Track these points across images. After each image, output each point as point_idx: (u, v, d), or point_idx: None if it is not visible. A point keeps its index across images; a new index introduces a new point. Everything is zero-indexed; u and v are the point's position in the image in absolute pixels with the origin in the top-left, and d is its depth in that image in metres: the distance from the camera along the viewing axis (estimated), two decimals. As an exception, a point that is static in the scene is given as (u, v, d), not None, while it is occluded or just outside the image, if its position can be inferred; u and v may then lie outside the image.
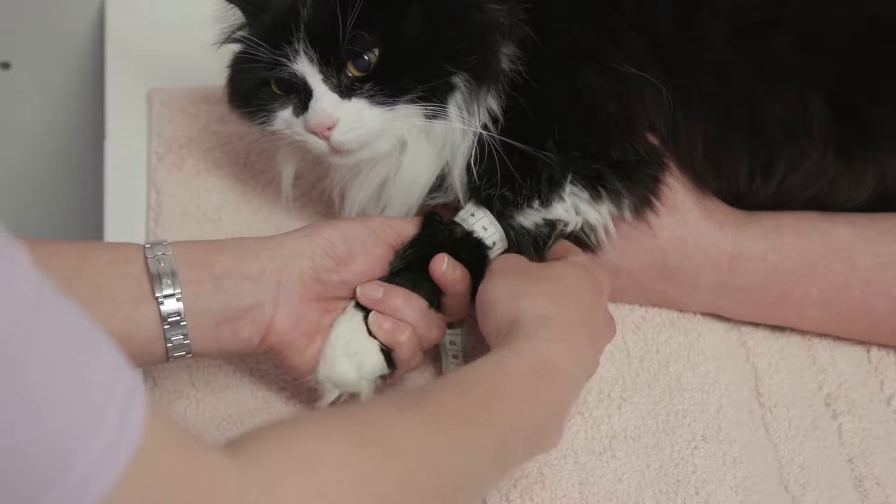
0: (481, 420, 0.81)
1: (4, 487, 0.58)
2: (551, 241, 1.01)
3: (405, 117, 0.96)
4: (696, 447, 0.99)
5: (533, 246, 1.00)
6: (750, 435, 1.00)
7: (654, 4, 1.00)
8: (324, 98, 0.95)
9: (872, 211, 1.04)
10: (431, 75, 0.95)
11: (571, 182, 0.99)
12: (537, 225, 1.00)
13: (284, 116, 0.98)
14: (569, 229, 1.00)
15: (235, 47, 1.01)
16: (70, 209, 1.55)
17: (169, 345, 0.90)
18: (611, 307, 1.05)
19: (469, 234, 0.99)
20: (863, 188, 1.02)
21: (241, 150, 1.20)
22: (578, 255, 0.99)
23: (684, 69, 1.00)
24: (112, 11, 1.36)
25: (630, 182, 1.00)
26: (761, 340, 1.06)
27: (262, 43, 0.95)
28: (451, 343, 1.01)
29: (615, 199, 1.00)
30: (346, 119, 0.95)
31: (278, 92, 0.98)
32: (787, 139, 1.01)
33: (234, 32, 1.00)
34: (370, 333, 0.95)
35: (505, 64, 0.97)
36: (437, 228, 0.98)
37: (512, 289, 0.92)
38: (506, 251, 1.00)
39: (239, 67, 1.01)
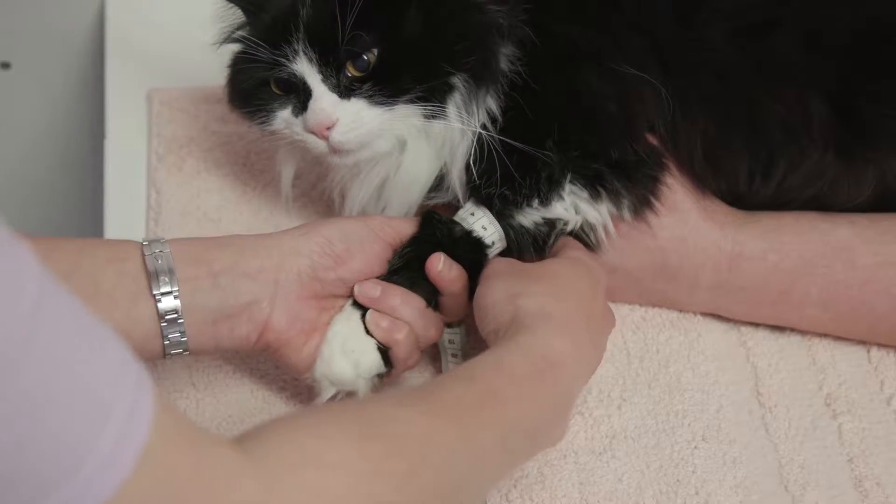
0: (483, 417, 0.81)
1: (10, 486, 0.58)
2: (551, 240, 1.01)
3: (404, 117, 0.96)
4: (696, 447, 0.99)
5: (533, 245, 1.00)
6: (750, 435, 1.00)
7: (654, 5, 1.00)
8: (323, 98, 0.95)
9: (872, 211, 1.04)
10: (430, 75, 0.95)
11: (571, 181, 0.99)
12: (536, 224, 1.00)
13: (284, 116, 0.98)
14: (568, 228, 1.00)
15: (235, 47, 1.01)
16: (70, 209, 1.55)
17: (166, 342, 0.90)
18: (611, 307, 1.05)
19: (468, 234, 0.99)
20: (863, 188, 1.02)
21: (241, 150, 1.20)
22: (573, 251, 0.99)
23: (684, 69, 1.00)
24: (112, 11, 1.36)
25: (629, 182, 1.00)
26: (761, 340, 1.06)
27: (261, 43, 0.95)
28: (450, 342, 1.01)
29: (614, 198, 1.00)
30: (346, 119, 0.95)
31: (278, 92, 0.98)
32: (787, 139, 1.01)
33: (233, 32, 1.00)
34: (367, 332, 0.95)
35: (504, 64, 0.97)
36: (436, 227, 0.98)
37: (509, 289, 0.92)
38: (505, 251, 1.00)
39: (239, 67, 1.01)
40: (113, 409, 0.60)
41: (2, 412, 0.56)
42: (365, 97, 0.95)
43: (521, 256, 1.01)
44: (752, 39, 1.00)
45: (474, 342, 1.01)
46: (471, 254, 0.99)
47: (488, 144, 0.97)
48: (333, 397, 0.96)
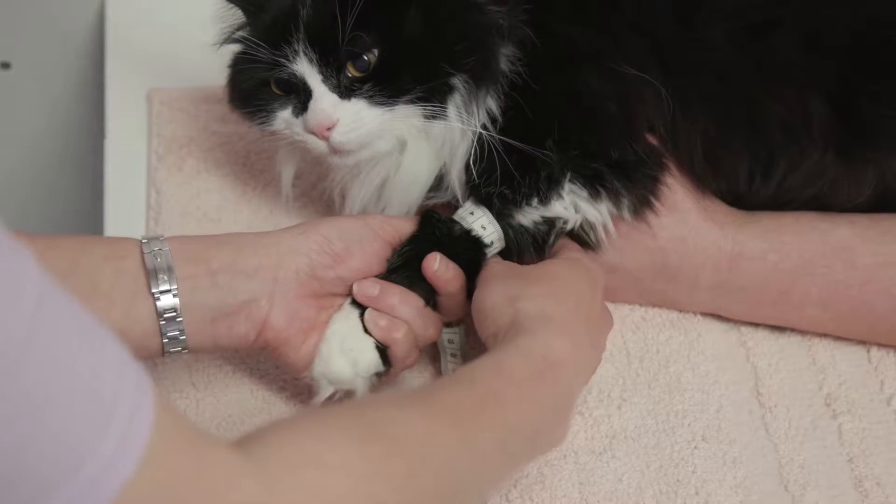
0: (483, 419, 0.81)
1: (10, 487, 0.58)
2: (550, 239, 1.01)
3: (405, 118, 0.96)
4: (696, 447, 0.99)
5: (532, 245, 1.00)
6: (750, 435, 1.00)
7: (654, 5, 1.00)
8: (323, 98, 0.95)
9: (873, 211, 1.04)
10: (431, 76, 0.95)
11: (570, 180, 0.99)
12: (536, 223, 1.00)
13: (284, 117, 0.98)
14: (568, 227, 1.00)
15: (235, 47, 1.01)
16: (70, 209, 1.55)
17: (165, 340, 0.90)
18: (611, 307, 1.05)
19: (467, 233, 0.99)
20: (863, 188, 1.03)
21: (241, 150, 1.20)
22: (570, 252, 0.99)
23: (684, 69, 1.00)
24: (112, 11, 1.36)
25: (629, 182, 1.00)
26: (761, 340, 1.06)
27: (261, 43, 0.95)
28: (450, 342, 1.01)
29: (614, 198, 1.00)
30: (346, 119, 0.95)
31: (278, 92, 0.98)
32: (787, 139, 1.01)
33: (234, 32, 1.00)
34: (366, 331, 0.95)
35: (504, 65, 0.97)
36: (435, 226, 0.98)
37: (508, 292, 0.92)
38: (504, 251, 1.00)
39: (239, 68, 1.01)
40: (114, 410, 0.60)
41: (2, 412, 0.56)
42: (365, 97, 0.95)
43: (520, 256, 1.01)
44: (752, 39, 1.00)
45: (473, 342, 1.01)
46: (469, 253, 0.99)
47: (488, 144, 0.97)
48: (332, 396, 0.96)
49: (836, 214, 1.04)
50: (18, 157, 1.53)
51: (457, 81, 0.96)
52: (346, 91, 0.95)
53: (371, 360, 0.95)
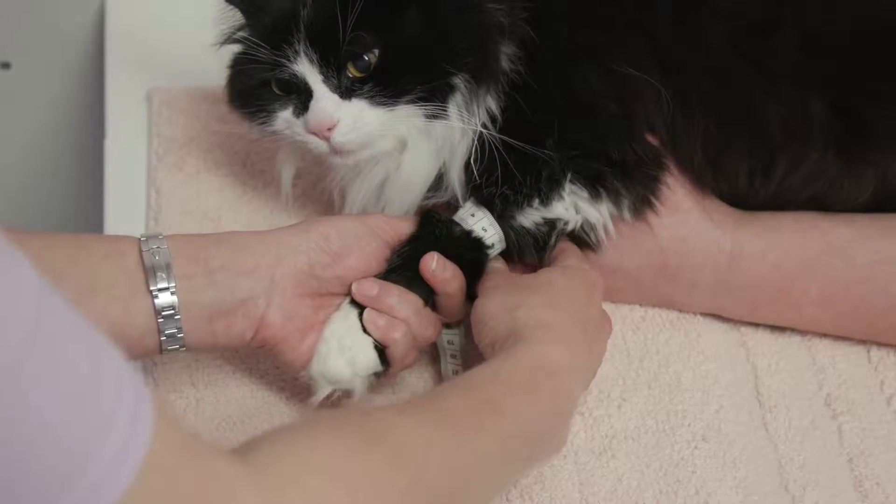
0: (482, 427, 0.81)
1: (12, 495, 0.58)
2: (551, 240, 1.01)
3: (405, 118, 0.96)
4: (696, 447, 0.99)
5: (534, 246, 1.00)
6: (750, 435, 1.00)
7: (654, 5, 1.00)
8: (324, 99, 0.95)
9: (873, 211, 1.04)
10: (431, 76, 0.95)
11: (571, 180, 0.99)
12: (537, 224, 1.00)
13: (285, 117, 0.98)
14: (569, 228, 1.00)
15: (235, 48, 1.01)
16: (70, 209, 1.55)
17: (163, 338, 0.90)
18: (611, 307, 1.05)
19: (468, 234, 0.99)
20: (863, 188, 1.03)
21: (241, 150, 1.20)
22: (569, 259, 0.99)
23: (684, 69, 1.00)
24: (112, 11, 1.36)
25: (629, 182, 1.00)
26: (761, 340, 1.06)
27: (262, 44, 0.95)
28: (450, 343, 1.01)
29: (614, 198, 1.00)
30: (347, 120, 0.95)
31: (278, 92, 0.98)
32: (787, 139, 1.01)
33: (234, 33, 1.00)
34: (365, 330, 0.95)
35: (505, 64, 0.97)
36: (435, 226, 0.98)
37: (505, 302, 0.92)
38: (505, 252, 1.01)
39: (239, 68, 1.01)
40: (114, 418, 0.60)
41: (2, 420, 0.56)
42: (366, 98, 0.95)
43: (521, 257, 1.01)
44: (752, 39, 1.00)
45: (474, 343, 1.01)
46: (470, 254, 0.99)
47: (489, 143, 0.97)
48: (330, 396, 0.96)
49: (835, 214, 1.04)
50: (18, 157, 1.53)
51: (457, 81, 0.96)
52: (346, 91, 0.95)
53: (369, 359, 0.95)
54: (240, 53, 1.00)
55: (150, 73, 1.27)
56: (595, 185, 0.99)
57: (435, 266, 0.96)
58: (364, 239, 0.97)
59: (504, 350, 0.88)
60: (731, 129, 1.01)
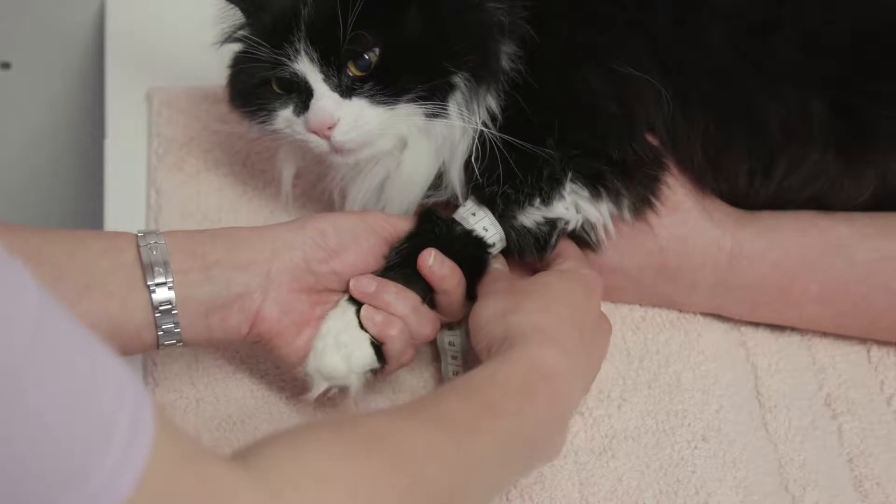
0: (480, 430, 0.81)
1: (15, 501, 0.58)
2: (552, 240, 1.00)
3: (406, 116, 0.96)
4: (696, 447, 0.99)
5: (535, 245, 1.00)
6: (750, 435, 1.00)
7: (655, 4, 1.00)
8: (324, 98, 0.95)
9: (873, 211, 1.04)
10: (432, 75, 0.95)
11: (571, 180, 0.99)
12: (538, 224, 1.00)
13: (285, 116, 0.98)
14: (569, 228, 1.00)
15: (235, 47, 1.01)
16: (70, 209, 1.55)
17: (160, 333, 0.90)
18: (611, 307, 1.05)
19: (468, 233, 0.99)
20: (863, 188, 1.03)
21: (241, 150, 1.20)
22: (566, 262, 0.99)
23: (684, 69, 1.00)
24: (112, 11, 1.36)
25: (630, 182, 1.00)
26: (761, 340, 1.06)
27: (262, 42, 0.95)
28: (451, 344, 1.01)
29: (614, 198, 1.00)
30: (347, 119, 0.95)
31: (279, 91, 0.98)
32: (787, 139, 1.01)
33: (234, 32, 1.00)
34: (362, 327, 0.95)
35: (505, 63, 0.97)
36: (435, 224, 0.98)
37: (500, 307, 0.93)
38: (506, 251, 1.01)
39: (239, 67, 1.01)
40: (115, 425, 0.60)
41: (4, 430, 0.56)
42: (366, 97, 0.95)
43: (522, 257, 1.01)
44: (752, 39, 1.00)
45: (475, 344, 1.01)
46: (471, 252, 0.99)
47: (489, 142, 0.97)
48: (326, 392, 0.96)
49: (835, 212, 1.04)
50: (18, 157, 1.53)
51: (458, 80, 0.96)
52: (347, 90, 0.95)
53: (365, 356, 0.95)
54: (240, 52, 1.00)
55: (150, 73, 1.27)
56: (595, 185, 0.99)
57: (432, 262, 0.96)
58: (362, 235, 0.97)
59: (500, 353, 0.88)
60: (731, 129, 1.01)
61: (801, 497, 0.96)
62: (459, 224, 0.99)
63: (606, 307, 1.03)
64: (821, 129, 1.00)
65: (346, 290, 0.96)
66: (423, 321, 0.96)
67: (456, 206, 1.01)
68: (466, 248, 0.98)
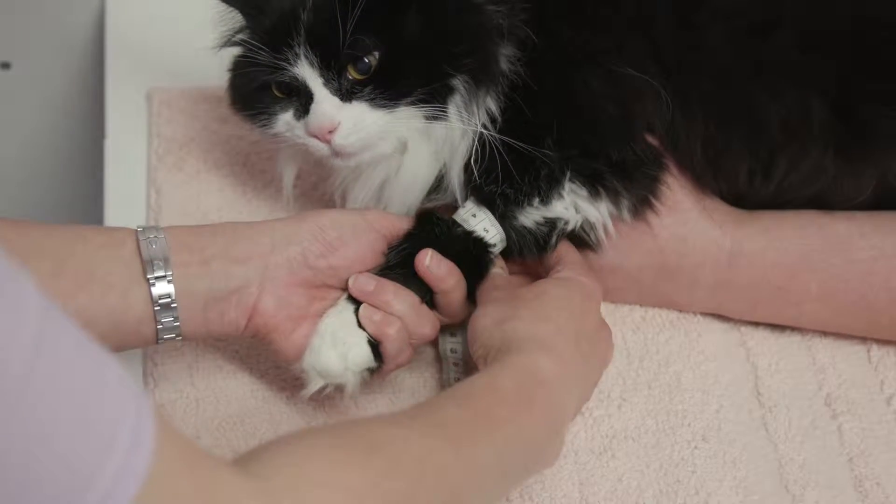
0: (477, 437, 0.81)
1: None
2: (552, 240, 1.00)
3: (406, 119, 0.96)
4: (696, 447, 0.99)
5: (535, 245, 1.00)
6: (750, 435, 1.00)
7: (654, 5, 1.00)
8: (325, 101, 0.95)
9: (873, 210, 1.04)
10: (431, 78, 0.95)
11: (570, 179, 0.99)
12: (538, 224, 1.00)
13: (285, 119, 0.98)
14: (569, 227, 1.00)
15: (236, 49, 1.01)
16: (70, 209, 1.55)
17: (159, 326, 0.91)
18: (611, 307, 1.06)
19: (468, 234, 0.99)
20: (863, 188, 1.03)
21: (241, 150, 1.20)
22: (564, 269, 0.99)
23: (684, 69, 1.00)
24: (112, 11, 1.36)
25: (629, 182, 1.00)
26: (761, 340, 1.06)
27: (262, 46, 0.95)
28: (453, 351, 1.01)
29: (614, 198, 1.00)
30: (347, 122, 0.95)
31: (279, 95, 0.98)
32: (787, 139, 1.01)
33: (233, 35, 1.00)
34: (360, 326, 0.95)
35: (504, 65, 0.97)
36: (434, 225, 0.98)
37: (497, 315, 0.93)
38: (506, 251, 1.01)
39: (239, 71, 1.00)
40: (116, 433, 0.60)
41: (4, 439, 0.56)
42: (366, 100, 0.95)
43: (522, 257, 1.01)
44: (751, 39, 1.00)
45: (476, 351, 1.01)
46: (471, 252, 0.99)
47: (489, 144, 0.97)
48: (322, 390, 0.96)
49: (834, 211, 1.04)
50: (18, 157, 1.53)
51: (457, 82, 0.96)
52: (347, 94, 0.95)
53: (362, 354, 0.95)
54: (240, 56, 1.00)
55: (150, 73, 1.27)
56: (594, 185, 1.00)
57: (429, 262, 0.96)
58: (361, 231, 0.97)
59: (497, 361, 0.88)
60: (731, 129, 1.01)
61: (801, 497, 0.96)
62: (460, 225, 0.99)
63: (606, 307, 1.03)
64: (821, 128, 1.00)
65: (345, 288, 0.96)
66: (421, 321, 0.96)
67: (456, 208, 1.01)
68: (466, 248, 0.98)
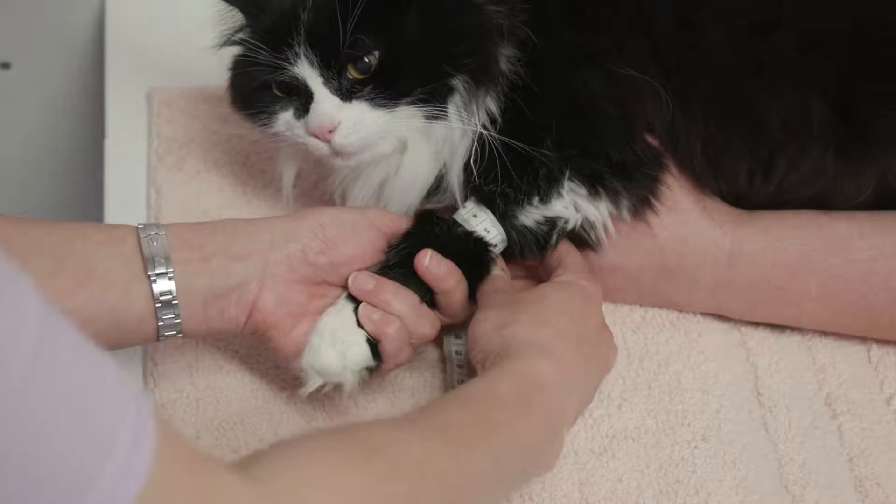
0: (476, 441, 0.82)
1: None
2: (552, 239, 1.01)
3: (406, 119, 0.96)
4: (696, 447, 0.99)
5: (535, 244, 1.01)
6: (750, 435, 1.00)
7: (654, 5, 1.00)
8: (325, 101, 0.95)
9: (873, 210, 1.04)
10: (431, 77, 0.95)
11: (569, 178, 0.99)
12: (538, 223, 1.00)
13: (285, 119, 0.98)
14: (569, 227, 1.00)
15: (236, 49, 1.01)
16: (70, 209, 1.55)
17: (160, 324, 0.91)
18: (611, 307, 1.06)
19: (469, 234, 0.99)
20: (863, 188, 1.03)
21: (241, 150, 1.20)
22: (565, 273, 0.99)
23: (684, 70, 1.00)
24: (112, 11, 1.36)
25: (629, 182, 1.00)
26: (761, 340, 1.06)
27: (262, 46, 0.95)
28: (457, 353, 1.01)
29: (613, 198, 1.00)
30: (347, 122, 0.95)
31: (279, 94, 0.98)
32: (787, 139, 1.01)
33: (234, 34, 1.00)
34: (360, 325, 0.95)
35: (504, 65, 0.97)
36: (435, 223, 0.98)
37: (496, 320, 0.93)
38: (506, 251, 1.01)
39: (240, 70, 1.01)
40: (116, 436, 0.60)
41: (4, 442, 0.56)
42: (366, 100, 0.95)
43: (523, 257, 1.01)
44: (751, 39, 1.00)
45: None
46: (472, 252, 0.99)
47: (489, 144, 0.97)
48: (320, 389, 0.96)
49: (834, 211, 1.04)
50: (18, 157, 1.53)
51: (457, 82, 0.96)
52: (347, 93, 0.95)
53: (361, 353, 0.95)
54: (240, 55, 1.00)
55: (150, 73, 1.27)
56: (594, 184, 1.00)
57: (428, 262, 0.96)
58: (361, 228, 0.97)
59: (496, 365, 0.88)
60: (731, 129, 1.01)
61: (801, 497, 0.96)
62: (460, 225, 0.99)
63: (606, 307, 1.03)
64: (821, 128, 1.00)
65: (344, 286, 0.96)
66: (421, 320, 0.96)
67: (456, 209, 1.01)
68: (467, 248, 0.99)
